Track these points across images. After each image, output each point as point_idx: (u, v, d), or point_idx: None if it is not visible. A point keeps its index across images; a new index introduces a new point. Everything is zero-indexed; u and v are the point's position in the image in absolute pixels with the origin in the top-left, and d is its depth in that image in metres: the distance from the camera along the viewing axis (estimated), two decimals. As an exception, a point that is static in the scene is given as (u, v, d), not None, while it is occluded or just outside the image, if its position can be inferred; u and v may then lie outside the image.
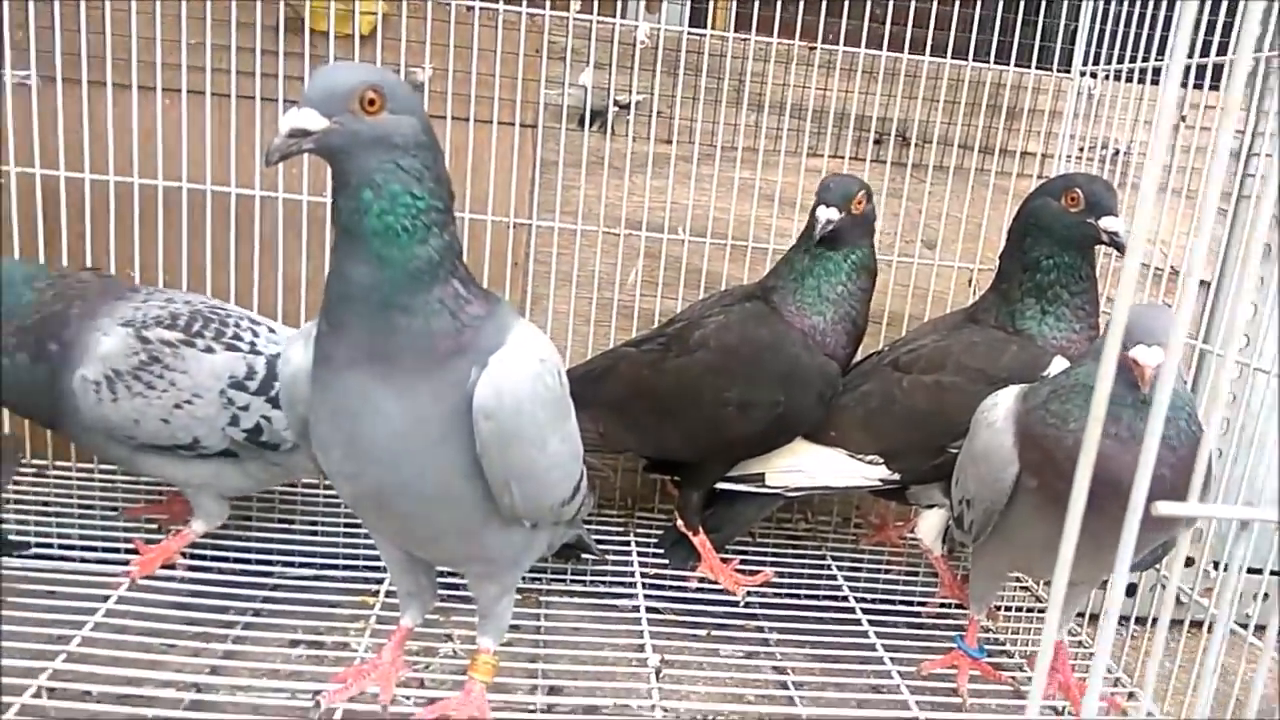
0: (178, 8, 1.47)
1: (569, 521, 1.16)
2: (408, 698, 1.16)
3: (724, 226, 1.66)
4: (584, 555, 1.45)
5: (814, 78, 1.64)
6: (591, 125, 1.63)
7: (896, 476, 1.42)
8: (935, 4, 1.55)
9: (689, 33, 1.61)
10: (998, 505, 1.12)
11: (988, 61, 1.62)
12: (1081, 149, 1.64)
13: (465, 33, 1.54)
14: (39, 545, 1.46)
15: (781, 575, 1.57)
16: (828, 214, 1.37)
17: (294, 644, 1.39)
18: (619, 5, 1.58)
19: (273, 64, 1.52)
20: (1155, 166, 0.48)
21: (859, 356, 1.53)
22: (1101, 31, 1.57)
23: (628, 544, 1.62)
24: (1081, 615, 1.49)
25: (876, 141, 1.68)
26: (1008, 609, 1.58)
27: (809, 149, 1.67)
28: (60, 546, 1.48)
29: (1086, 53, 1.62)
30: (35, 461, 1.64)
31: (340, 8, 1.51)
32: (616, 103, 1.62)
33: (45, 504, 1.54)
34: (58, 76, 1.48)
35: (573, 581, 1.57)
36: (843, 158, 1.67)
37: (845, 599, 1.54)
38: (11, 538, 1.39)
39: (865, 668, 1.36)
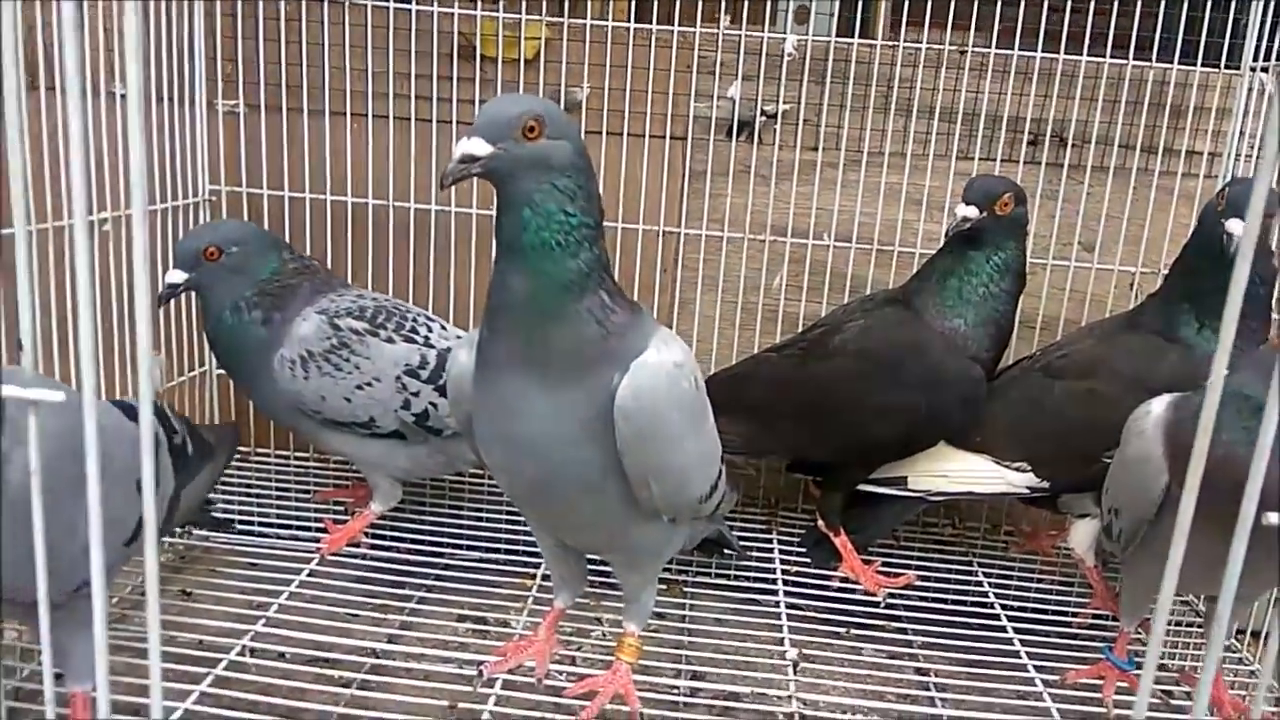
0: (364, 39, 1.63)
1: (709, 517, 1.22)
2: (560, 673, 1.25)
3: (870, 231, 1.68)
4: (725, 551, 1.51)
5: (965, 80, 1.63)
6: (739, 135, 1.69)
7: (1045, 485, 1.40)
8: (1093, 3, 1.51)
9: (836, 41, 1.63)
10: (1146, 515, 1.10)
11: (1150, 59, 1.57)
12: (1253, 147, 1.55)
13: (620, 53, 1.63)
14: (243, 524, 1.65)
15: (926, 579, 1.57)
16: (965, 211, 1.36)
17: (461, 619, 1.51)
18: (767, 18, 1.62)
19: (447, 89, 1.66)
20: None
21: (1009, 361, 1.52)
22: (1273, 25, 1.48)
23: (770, 542, 1.66)
24: (1242, 632, 1.42)
25: (1031, 143, 1.65)
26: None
27: (959, 152, 1.67)
28: (261, 524, 1.66)
29: (1257, 48, 1.53)
30: (240, 449, 1.84)
31: (507, 34, 1.63)
32: (764, 112, 1.67)
33: (249, 486, 1.73)
34: (261, 105, 1.68)
35: (717, 575, 1.63)
36: (995, 160, 1.65)
37: (991, 605, 1.52)
38: (220, 517, 1.57)
39: (1009, 674, 1.35)
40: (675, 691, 1.32)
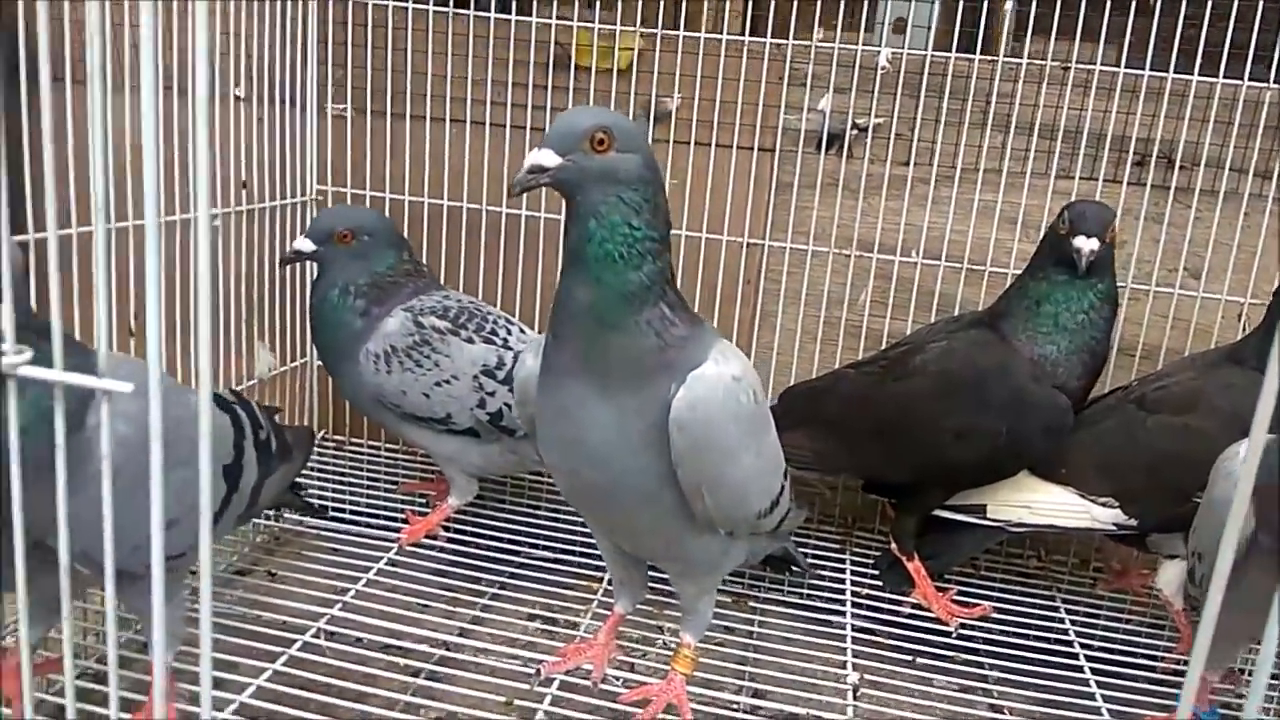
0: (465, 47, 1.68)
1: (771, 533, 1.22)
2: (617, 678, 1.26)
3: (960, 249, 1.64)
4: (793, 568, 1.49)
5: (1068, 96, 1.57)
6: (829, 149, 1.67)
7: (1133, 522, 1.34)
8: (1206, 25, 1.43)
9: (933, 55, 1.60)
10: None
11: (1266, 80, 1.48)
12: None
13: (712, 64, 1.64)
14: (333, 510, 1.72)
15: (1004, 612, 1.52)
16: (1090, 245, 1.31)
17: (530, 617, 1.54)
18: (862, 30, 1.60)
19: (543, 97, 1.70)
20: None
21: (1104, 389, 1.45)
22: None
23: (843, 561, 1.64)
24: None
25: (1138, 163, 1.58)
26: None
27: (1060, 171, 1.61)
28: (350, 511, 1.73)
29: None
30: (335, 437, 1.93)
31: (602, 45, 1.65)
32: (855, 125, 1.65)
33: (342, 474, 1.81)
34: (367, 109, 1.75)
35: (788, 592, 1.61)
36: (1097, 180, 1.58)
37: (1070, 643, 1.46)
38: (312, 502, 1.65)
39: (1082, 717, 1.30)
40: (735, 707, 1.31)
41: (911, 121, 1.63)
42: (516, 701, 1.25)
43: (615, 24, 1.63)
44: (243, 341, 1.64)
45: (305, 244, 1.47)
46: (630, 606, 1.25)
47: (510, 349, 1.48)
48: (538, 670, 1.22)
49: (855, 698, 1.27)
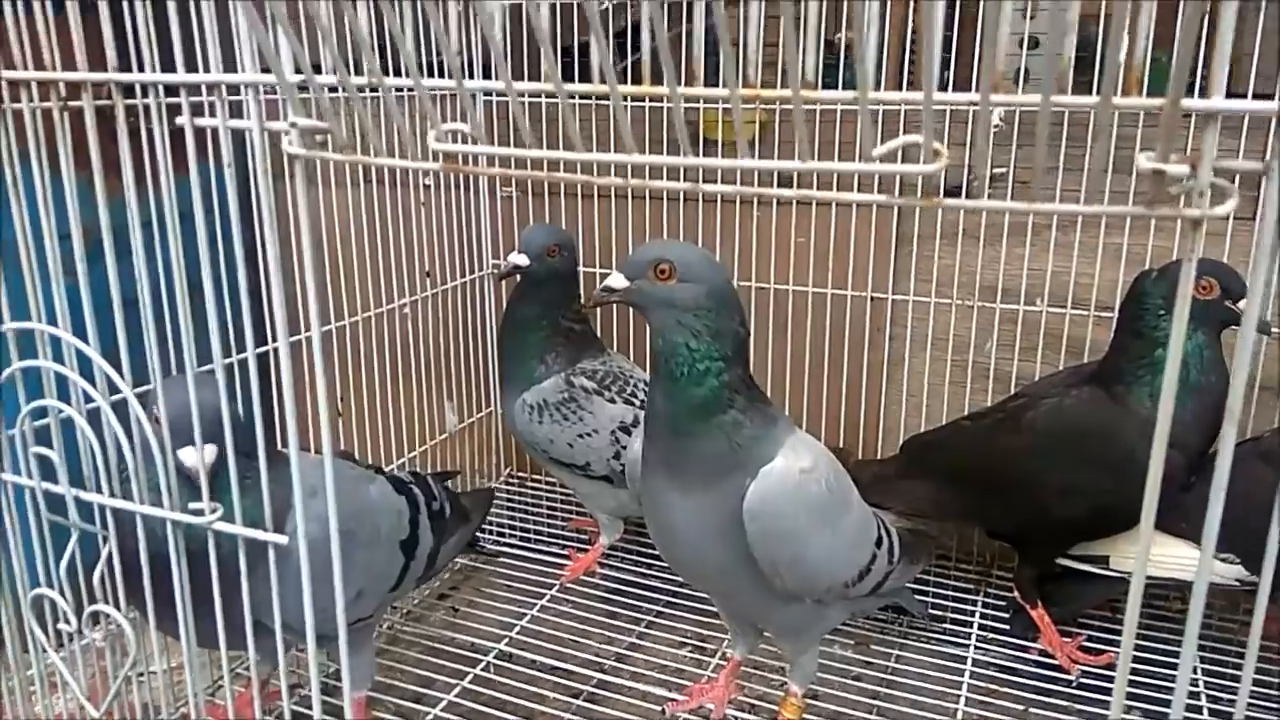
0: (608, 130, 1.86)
1: (874, 594, 1.31)
2: (736, 718, 1.41)
3: (1087, 293, 1.63)
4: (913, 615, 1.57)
5: (1190, 138, 1.52)
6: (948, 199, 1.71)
7: (1255, 579, 1.32)
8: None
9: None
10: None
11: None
12: None
13: (829, 129, 1.72)
14: (512, 542, 1.98)
15: (1135, 660, 1.52)
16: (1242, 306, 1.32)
17: (681, 645, 1.72)
18: (973, 86, 1.62)
19: (677, 172, 1.85)
20: None
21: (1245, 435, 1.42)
22: None
23: (975, 604, 1.69)
24: None
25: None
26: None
27: (1193, 209, 1.56)
28: (528, 545, 1.98)
29: None
30: (519, 474, 2.20)
31: (727, 120, 1.78)
32: (974, 174, 1.68)
33: (524, 509, 2.07)
34: (529, 190, 1.98)
35: (920, 633, 1.68)
36: (1228, 218, 1.52)
37: (1199, 695, 1.45)
38: (488, 549, 1.91)
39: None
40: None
41: (1032, 168, 1.64)
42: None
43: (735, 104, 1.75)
44: (432, 404, 1.93)
45: (521, 259, 1.67)
46: (746, 653, 1.40)
47: None
48: (664, 709, 1.40)
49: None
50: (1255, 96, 1.44)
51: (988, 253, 1.70)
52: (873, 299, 1.79)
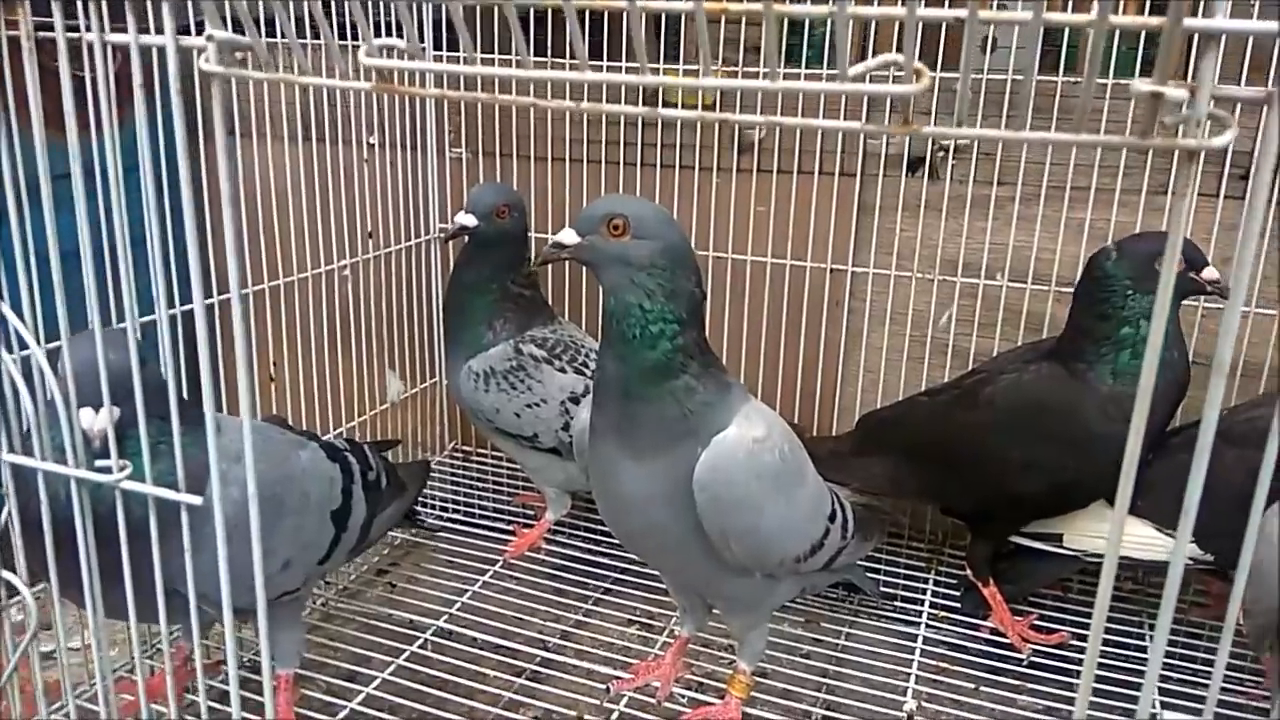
0: (563, 92, 1.80)
1: (825, 569, 1.28)
2: (683, 697, 1.37)
3: (1048, 268, 1.61)
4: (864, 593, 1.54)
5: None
6: (913, 171, 1.67)
7: (1209, 557, 1.31)
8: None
9: (1013, 77, 1.56)
10: (1270, 625, 1.02)
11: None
12: None
13: (792, 97, 1.67)
14: (455, 518, 1.91)
15: (1084, 639, 1.50)
16: (1209, 274, 1.30)
17: (629, 623, 1.67)
18: (941, 55, 1.58)
19: (634, 134, 1.80)
20: None
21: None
22: None
23: (926, 581, 1.67)
24: None
25: (1242, 177, 1.49)
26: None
27: (1153, 186, 1.54)
28: (471, 520, 1.91)
29: None
30: (464, 448, 2.13)
31: (689, 88, 1.73)
32: (940, 147, 1.64)
33: (468, 484, 2.00)
34: (479, 151, 1.91)
35: (871, 610, 1.66)
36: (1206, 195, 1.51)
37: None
38: (428, 524, 1.84)
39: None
40: (808, 718, 1.40)
41: (996, 141, 1.61)
42: (586, 717, 1.38)
43: (698, 67, 1.70)
44: (374, 372, 1.85)
45: (469, 219, 1.60)
46: (693, 631, 1.36)
47: None
48: (608, 687, 1.36)
49: (910, 724, 1.33)
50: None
51: (949, 225, 1.67)
52: (832, 271, 1.75)
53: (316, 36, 0.59)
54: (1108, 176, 1.56)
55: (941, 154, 1.65)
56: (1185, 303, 1.42)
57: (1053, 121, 1.55)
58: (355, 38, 0.59)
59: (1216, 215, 1.50)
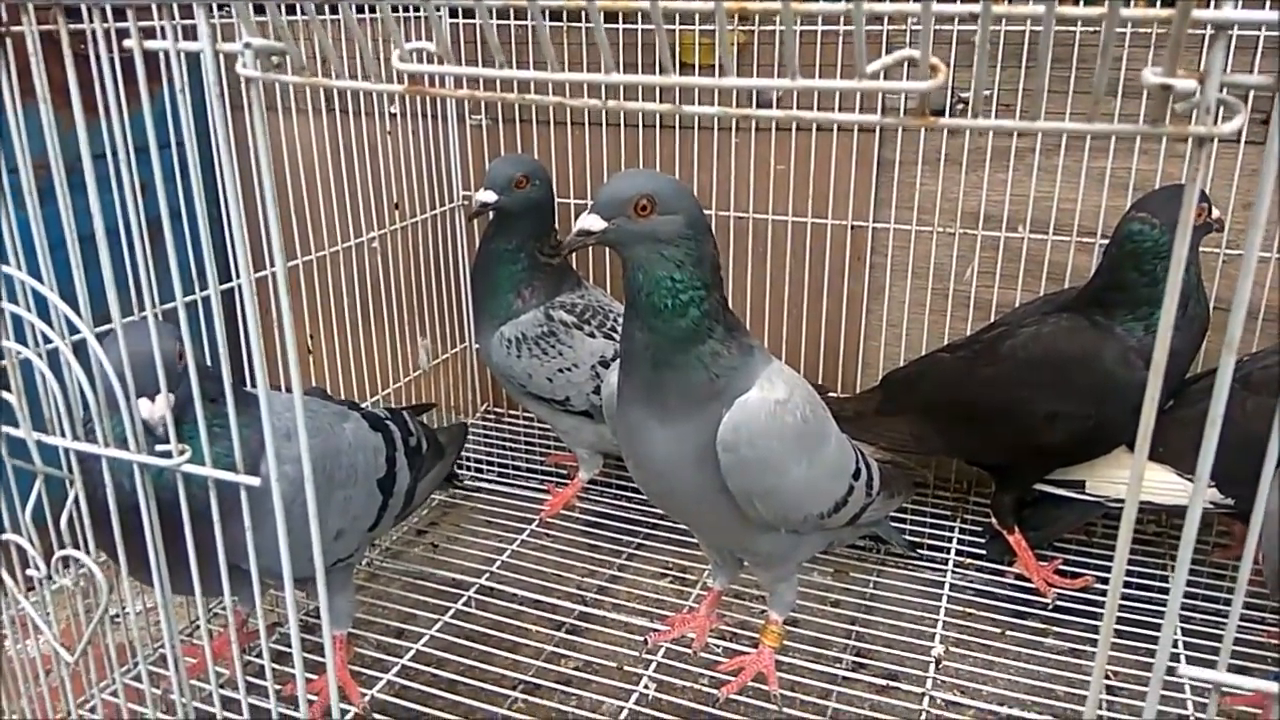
0: (580, 55, 1.80)
1: (850, 525, 1.32)
2: (718, 647, 1.43)
3: (1069, 218, 1.61)
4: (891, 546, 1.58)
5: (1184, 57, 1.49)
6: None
7: (1229, 501, 1.34)
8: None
9: (1032, 29, 1.55)
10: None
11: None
12: None
13: (809, 52, 1.67)
14: (488, 480, 1.97)
15: (1104, 580, 1.54)
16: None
17: (662, 576, 1.73)
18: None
19: (652, 95, 1.80)
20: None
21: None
22: None
23: (953, 529, 1.71)
24: None
25: (1264, 121, 1.48)
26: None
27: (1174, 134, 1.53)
28: (506, 480, 1.97)
29: None
30: (496, 409, 2.18)
31: (705, 43, 1.73)
32: (959, 99, 1.64)
33: (502, 445, 2.06)
34: (499, 118, 1.92)
35: (900, 559, 1.70)
36: (1227, 141, 1.50)
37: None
38: (465, 487, 1.89)
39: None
40: (839, 665, 1.45)
41: (1015, 92, 1.60)
42: (625, 668, 1.44)
43: (714, 25, 1.69)
44: (405, 340, 1.89)
45: (489, 195, 1.61)
46: (726, 584, 1.41)
47: None
48: (646, 639, 1.41)
49: (937, 670, 1.37)
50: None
51: (970, 179, 1.67)
52: (853, 227, 1.76)
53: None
54: (1129, 123, 1.55)
55: (961, 106, 1.65)
56: (1206, 250, 1.43)
57: (1072, 70, 1.54)
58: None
59: (1238, 161, 1.50)
